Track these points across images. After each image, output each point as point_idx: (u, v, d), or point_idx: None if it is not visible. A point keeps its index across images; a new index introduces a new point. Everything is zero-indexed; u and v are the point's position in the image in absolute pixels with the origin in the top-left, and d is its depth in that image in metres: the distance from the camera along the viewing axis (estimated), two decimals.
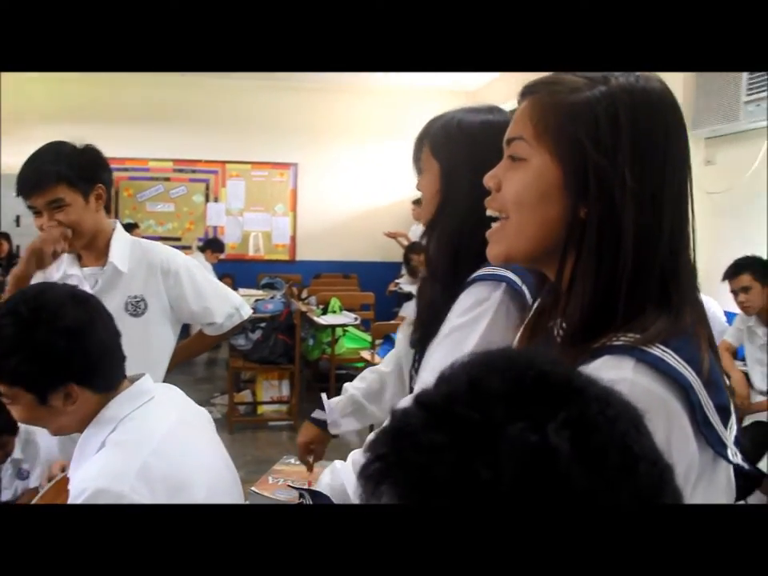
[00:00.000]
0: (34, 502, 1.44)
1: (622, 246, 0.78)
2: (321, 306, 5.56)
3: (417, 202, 8.41)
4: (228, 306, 2.10)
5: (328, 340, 5.31)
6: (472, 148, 1.31)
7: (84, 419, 1.30)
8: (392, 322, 4.73)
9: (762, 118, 3.90)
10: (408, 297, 7.23)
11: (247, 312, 2.16)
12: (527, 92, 0.87)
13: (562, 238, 0.83)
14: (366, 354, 3.90)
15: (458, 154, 1.34)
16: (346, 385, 1.75)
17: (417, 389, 1.36)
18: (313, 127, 8.32)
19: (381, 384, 1.70)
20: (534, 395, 0.47)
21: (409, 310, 6.96)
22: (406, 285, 7.34)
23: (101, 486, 1.16)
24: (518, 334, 0.98)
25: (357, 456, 1.36)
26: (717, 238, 4.00)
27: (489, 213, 0.89)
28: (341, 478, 1.33)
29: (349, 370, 6.03)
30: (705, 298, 0.93)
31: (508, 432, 0.44)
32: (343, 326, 5.22)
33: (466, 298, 1.34)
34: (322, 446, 1.73)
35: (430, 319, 1.43)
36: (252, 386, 5.26)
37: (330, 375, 5.12)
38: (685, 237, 0.84)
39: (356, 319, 5.20)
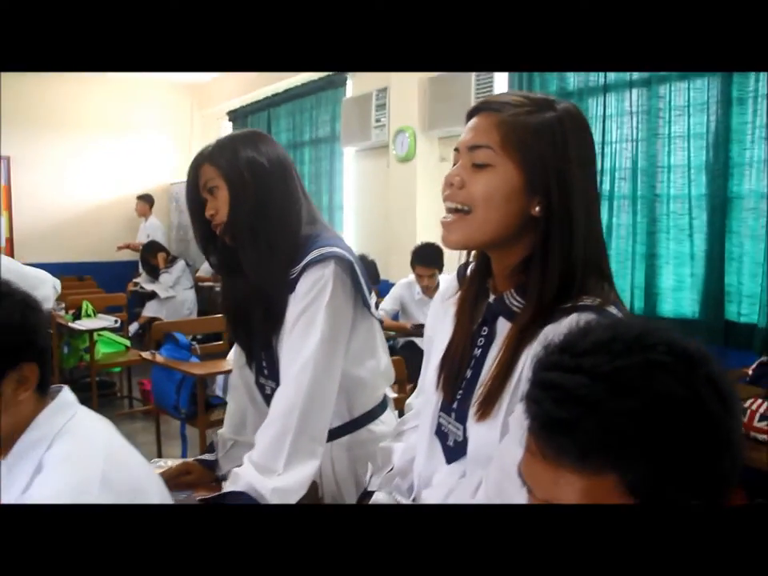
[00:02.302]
0: None
1: (576, 232, 1.04)
2: (72, 312, 5.25)
3: (141, 198, 8.21)
4: (50, 288, 2.03)
5: (85, 346, 5.04)
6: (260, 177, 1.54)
7: (18, 427, 1.19)
8: (173, 320, 4.65)
9: None
10: (151, 296, 7.09)
11: None
12: (484, 108, 1.09)
13: (514, 230, 1.07)
14: (146, 355, 3.84)
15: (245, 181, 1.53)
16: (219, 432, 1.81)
17: (284, 382, 1.49)
18: (28, 117, 7.69)
19: (241, 413, 1.78)
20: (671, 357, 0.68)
21: (152, 309, 6.88)
22: (147, 284, 7.19)
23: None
24: (457, 305, 1.19)
25: (255, 457, 1.43)
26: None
27: (449, 205, 1.09)
28: (245, 480, 1.40)
29: (105, 376, 5.79)
30: None
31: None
32: (104, 329, 5.00)
33: (303, 283, 1.52)
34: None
35: (262, 316, 1.57)
36: None
37: (91, 383, 4.88)
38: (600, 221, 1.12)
39: (116, 322, 5.01)
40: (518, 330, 1.04)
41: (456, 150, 1.09)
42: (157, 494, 1.29)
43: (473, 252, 1.18)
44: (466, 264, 1.20)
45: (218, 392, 3.49)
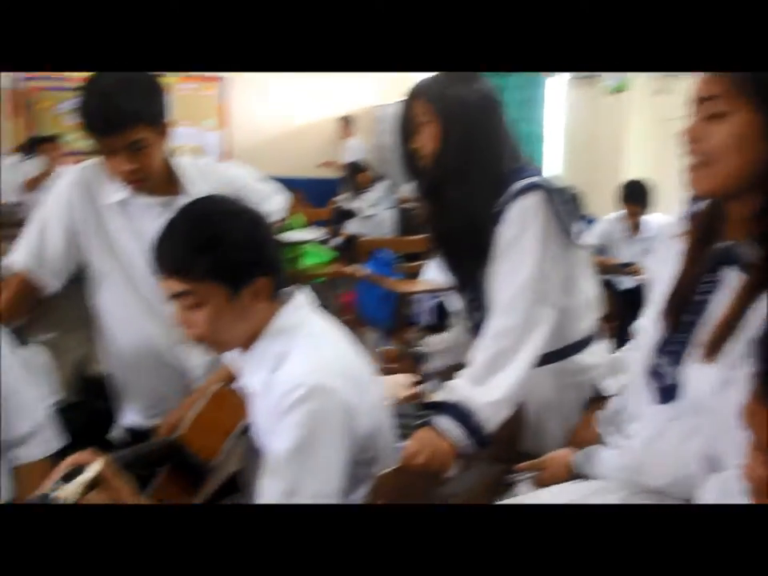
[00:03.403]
0: (190, 416, 1.48)
1: None
2: (284, 223, 5.62)
3: (345, 119, 8.49)
4: (281, 200, 2.12)
5: (292, 257, 5.42)
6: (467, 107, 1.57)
7: (256, 329, 1.32)
8: (376, 238, 4.91)
9: None
10: (349, 215, 7.40)
11: None
12: None
13: (756, 177, 1.06)
14: (351, 269, 4.09)
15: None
16: None
17: (499, 308, 1.55)
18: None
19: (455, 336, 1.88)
20: None
21: (353, 226, 7.18)
22: (347, 203, 7.49)
23: (316, 382, 1.24)
24: (683, 247, 1.19)
25: (469, 373, 1.52)
26: None
27: (690, 158, 1.10)
28: (459, 393, 1.48)
29: (311, 286, 6.16)
30: None
31: None
32: (312, 241, 5.34)
33: (510, 214, 1.55)
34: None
35: (469, 248, 1.63)
36: None
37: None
38: None
39: (325, 234, 5.33)
40: (754, 280, 1.05)
41: (692, 101, 1.09)
42: (377, 390, 1.43)
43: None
44: (695, 205, 1.20)
45: (420, 313, 3.64)
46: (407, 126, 1.65)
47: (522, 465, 1.46)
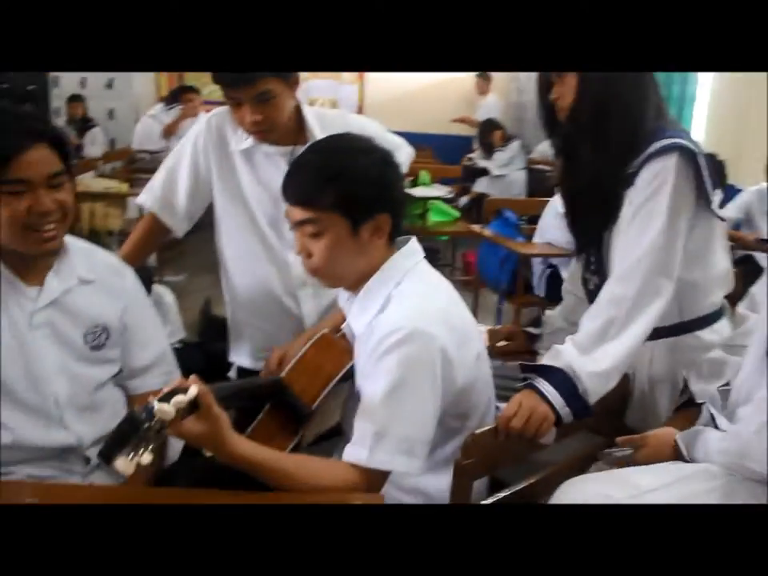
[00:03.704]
0: (295, 358, 1.50)
1: None
2: (410, 178, 5.62)
3: (481, 75, 8.31)
4: (406, 154, 2.09)
5: (418, 212, 5.42)
6: None
7: (369, 269, 1.35)
8: (503, 198, 4.83)
9: None
10: (482, 172, 7.30)
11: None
12: None
13: None
14: (475, 228, 4.05)
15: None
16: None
17: (616, 274, 1.49)
18: None
19: (573, 302, 1.82)
20: None
21: (483, 185, 7.09)
22: (481, 160, 7.39)
23: (416, 326, 1.25)
24: None
25: (578, 339, 1.46)
26: None
27: None
28: (565, 360, 1.44)
29: (432, 243, 6.19)
30: None
31: None
32: (437, 198, 5.32)
33: (643, 176, 1.46)
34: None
35: (597, 209, 1.56)
36: None
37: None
38: None
39: (450, 192, 5.29)
40: None
41: None
42: (478, 346, 1.42)
43: None
44: None
45: (534, 282, 3.58)
46: (545, 76, 1.59)
47: (622, 439, 1.41)
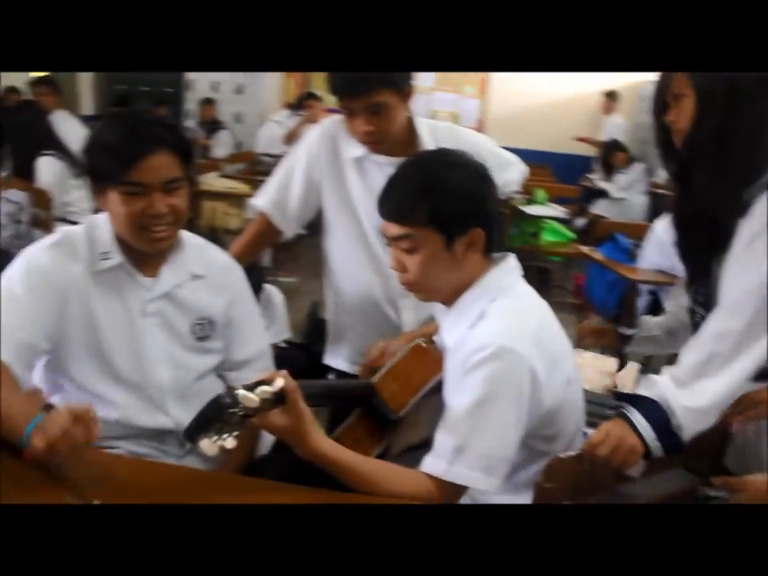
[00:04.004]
0: (387, 365, 1.51)
1: None
2: (526, 196, 5.58)
3: (608, 94, 8.11)
4: (518, 171, 2.09)
5: (532, 231, 5.37)
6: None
7: (464, 283, 1.36)
8: (617, 221, 4.73)
9: None
10: (600, 194, 7.13)
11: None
12: None
13: None
14: (586, 250, 3.97)
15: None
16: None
17: (723, 306, 1.41)
18: None
19: (677, 322, 1.75)
20: None
21: (601, 207, 6.92)
22: (601, 182, 7.22)
23: (506, 345, 1.24)
24: None
25: (675, 371, 1.40)
26: None
27: None
28: (659, 390, 1.38)
29: (544, 263, 6.10)
30: None
31: None
32: (553, 218, 5.26)
33: (761, 205, 1.38)
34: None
35: (708, 238, 1.48)
36: None
37: (530, 267, 5.19)
38: None
39: (566, 213, 5.21)
40: None
41: None
42: (570, 370, 1.40)
43: None
44: None
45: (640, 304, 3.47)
46: (662, 97, 1.56)
47: (719, 480, 1.35)
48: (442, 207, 1.30)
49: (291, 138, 6.33)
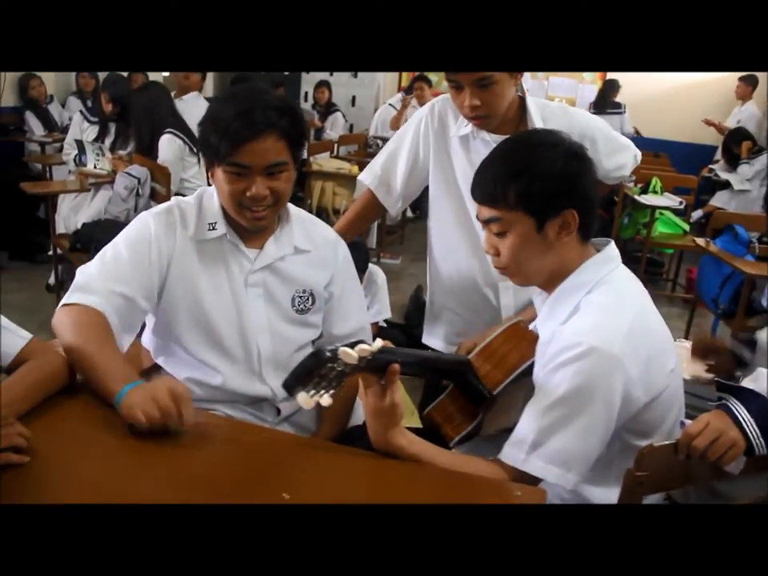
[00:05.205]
0: (481, 346, 1.48)
1: None
2: (639, 185, 5.39)
3: (744, 79, 7.62)
4: (631, 157, 2.03)
5: (644, 221, 5.18)
6: None
7: (561, 268, 1.33)
8: (734, 212, 4.50)
9: None
10: (724, 185, 6.77)
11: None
12: None
13: None
14: (700, 242, 3.80)
15: None
16: None
17: None
18: None
19: None
20: None
21: (721, 199, 6.59)
22: (723, 172, 6.86)
23: (595, 344, 1.22)
24: None
25: None
26: None
27: None
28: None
29: (656, 255, 5.87)
30: None
31: None
32: (667, 208, 5.05)
33: None
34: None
35: None
36: None
37: (642, 258, 5.02)
38: None
39: (681, 204, 4.99)
40: None
41: None
42: (668, 362, 1.35)
43: None
44: None
45: (764, 301, 3.30)
46: None
47: None
48: (531, 189, 1.27)
49: (397, 121, 6.38)
